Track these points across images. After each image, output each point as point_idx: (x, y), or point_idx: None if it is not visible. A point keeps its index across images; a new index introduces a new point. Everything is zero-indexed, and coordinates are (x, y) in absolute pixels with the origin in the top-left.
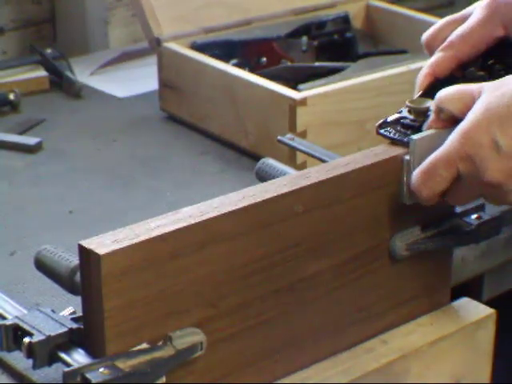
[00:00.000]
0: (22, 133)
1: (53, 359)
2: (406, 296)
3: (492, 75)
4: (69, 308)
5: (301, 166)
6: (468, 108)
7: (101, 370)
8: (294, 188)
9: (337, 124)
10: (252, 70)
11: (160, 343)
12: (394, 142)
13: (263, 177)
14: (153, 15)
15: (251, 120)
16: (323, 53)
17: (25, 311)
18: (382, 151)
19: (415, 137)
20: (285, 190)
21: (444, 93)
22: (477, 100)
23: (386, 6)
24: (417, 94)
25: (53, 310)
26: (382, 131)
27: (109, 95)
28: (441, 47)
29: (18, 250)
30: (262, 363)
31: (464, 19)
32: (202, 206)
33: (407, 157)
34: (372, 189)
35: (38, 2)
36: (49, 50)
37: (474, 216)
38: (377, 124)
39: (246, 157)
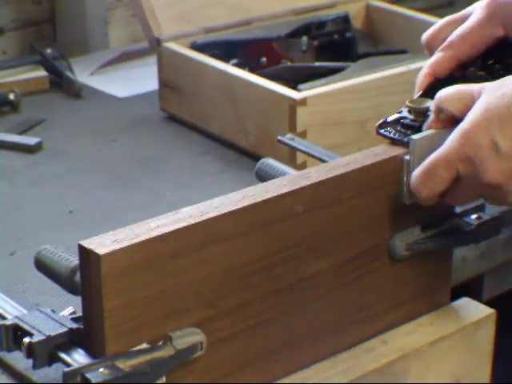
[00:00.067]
0: (21, 133)
1: (53, 359)
2: (406, 296)
3: (492, 75)
4: (69, 308)
5: (301, 166)
6: (468, 108)
7: (101, 369)
8: (293, 188)
9: (337, 124)
10: (252, 70)
11: (160, 343)
12: (393, 141)
13: (263, 177)
14: (153, 15)
15: (251, 120)
16: (323, 53)
17: (25, 311)
18: (381, 151)
19: (415, 137)
20: (285, 190)
21: (444, 93)
22: (477, 100)
23: (386, 6)
24: (417, 94)
25: (53, 310)
26: (381, 131)
27: (109, 95)
28: (441, 47)
29: (18, 250)
30: (262, 363)
31: (464, 19)
32: (201, 206)
33: (407, 157)
34: (372, 189)
35: (38, 2)
36: (49, 50)
37: (473, 216)
38: (377, 124)
39: (246, 157)
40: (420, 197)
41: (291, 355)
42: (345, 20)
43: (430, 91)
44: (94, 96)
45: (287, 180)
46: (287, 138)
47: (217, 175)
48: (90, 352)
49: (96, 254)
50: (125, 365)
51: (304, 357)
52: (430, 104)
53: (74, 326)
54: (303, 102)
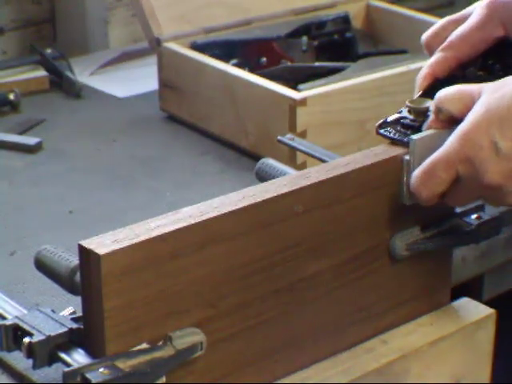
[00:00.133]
0: (21, 133)
1: (53, 359)
2: (406, 296)
3: (492, 75)
4: (69, 308)
5: (301, 166)
6: (467, 108)
7: (101, 370)
8: (293, 188)
9: (337, 124)
10: (252, 70)
11: (160, 343)
12: (393, 142)
13: (263, 177)
14: (153, 15)
15: (251, 120)
16: (323, 53)
17: (25, 311)
18: (382, 151)
19: (415, 137)
20: (285, 190)
21: (444, 93)
22: (476, 101)
23: (386, 6)
24: (417, 94)
25: (53, 310)
26: (381, 131)
27: (109, 95)
28: (440, 47)
29: (18, 249)
30: (262, 363)
31: (464, 19)
32: (201, 206)
33: (407, 157)
34: (372, 189)
35: (38, 2)
36: (49, 50)
37: (473, 216)
38: (377, 124)
39: (246, 157)
40: (420, 197)
41: (291, 355)
42: (345, 20)
43: (429, 91)
44: (94, 96)
45: (287, 180)
46: (287, 138)
47: (217, 175)
48: (90, 352)
49: (96, 254)
50: (125, 365)
51: (304, 357)
52: (430, 104)
53: (74, 326)
54: (303, 102)
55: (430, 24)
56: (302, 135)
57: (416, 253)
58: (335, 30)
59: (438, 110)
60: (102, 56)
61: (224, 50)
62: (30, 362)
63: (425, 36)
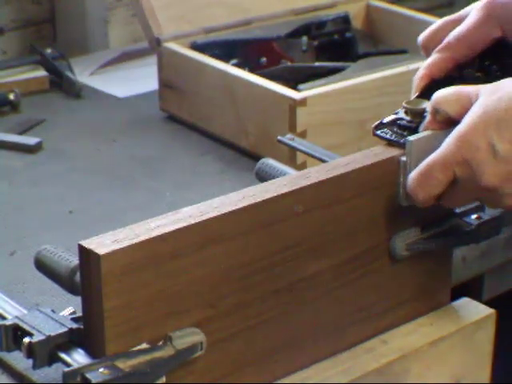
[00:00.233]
0: (21, 133)
1: (53, 359)
2: (406, 296)
3: (489, 76)
4: (69, 308)
5: (301, 166)
6: (464, 110)
7: (101, 370)
8: (293, 188)
9: (337, 124)
10: (252, 70)
11: (160, 343)
12: (390, 143)
13: (263, 177)
14: (153, 15)
15: (251, 120)
16: (323, 53)
17: (25, 311)
18: (381, 151)
19: (412, 138)
20: (285, 190)
21: (441, 94)
22: (474, 103)
23: (386, 6)
24: (413, 95)
25: (53, 310)
26: (378, 132)
27: (109, 95)
28: (437, 48)
29: (18, 249)
30: (262, 363)
31: (461, 20)
32: (201, 206)
33: (404, 158)
34: (372, 189)
35: (38, 2)
36: (49, 50)
37: (473, 216)
38: (373, 125)
39: (246, 157)
40: (416, 199)
41: (291, 355)
42: (345, 20)
43: (426, 92)
44: (94, 96)
45: (287, 180)
46: (287, 138)
47: (217, 175)
48: (90, 352)
49: (96, 253)
50: (125, 365)
51: (304, 357)
52: (427, 105)
53: (74, 326)
54: (303, 102)
55: (430, 24)
56: (302, 135)
57: (416, 253)
58: (335, 30)
59: (435, 111)
60: (101, 56)
61: (224, 50)
62: (30, 362)
63: (422, 37)
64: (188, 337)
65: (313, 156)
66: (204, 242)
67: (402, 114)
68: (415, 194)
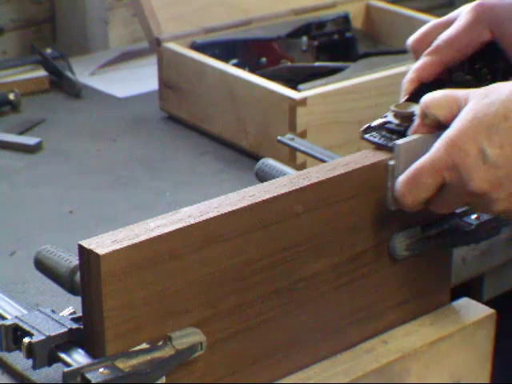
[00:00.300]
0: (22, 133)
1: (53, 359)
2: (406, 296)
3: (479, 79)
4: (69, 308)
5: (301, 166)
6: (453, 114)
7: (101, 370)
8: (293, 188)
9: (337, 124)
10: (252, 70)
11: (160, 343)
12: (378, 146)
13: (263, 177)
14: (153, 15)
15: (251, 120)
16: (323, 53)
17: (25, 311)
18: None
19: (400, 142)
20: (285, 190)
21: (430, 97)
22: (463, 107)
23: (386, 6)
24: (402, 99)
25: (53, 310)
26: (366, 136)
27: (109, 95)
28: (426, 51)
29: (18, 250)
30: (262, 363)
31: (450, 23)
32: (201, 206)
33: (392, 162)
34: (372, 189)
35: (38, 1)
36: (49, 50)
37: (473, 216)
38: (361, 129)
39: (246, 157)
40: (404, 203)
41: (291, 355)
42: (345, 20)
43: (415, 95)
44: (94, 96)
45: (287, 180)
46: (287, 138)
47: (217, 175)
48: (90, 352)
49: (96, 254)
50: (125, 365)
51: (304, 357)
52: (415, 109)
53: (74, 326)
54: (303, 102)
55: None
56: (302, 135)
57: (416, 253)
58: (335, 30)
59: (424, 115)
60: (102, 56)
61: (224, 50)
62: (30, 362)
63: (411, 40)
64: (188, 337)
65: (313, 156)
66: (204, 242)
67: (390, 118)
68: (403, 198)
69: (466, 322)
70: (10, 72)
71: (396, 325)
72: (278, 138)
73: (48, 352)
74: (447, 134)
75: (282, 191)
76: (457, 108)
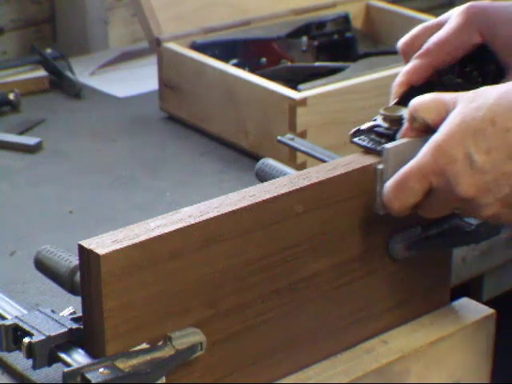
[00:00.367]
0: (22, 133)
1: (53, 359)
2: (406, 296)
3: (470, 82)
4: (69, 308)
5: (301, 166)
6: (442, 117)
7: (101, 370)
8: (293, 188)
9: (337, 124)
10: (252, 70)
11: (160, 343)
12: (367, 150)
13: (263, 177)
14: (153, 15)
15: (251, 120)
16: (323, 53)
17: (25, 311)
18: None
19: (388, 146)
20: (285, 190)
21: (418, 101)
22: (451, 111)
23: (386, 6)
24: (392, 102)
25: (53, 310)
26: (355, 140)
27: (109, 95)
28: (417, 54)
29: (18, 250)
30: (262, 363)
31: (440, 26)
32: (201, 206)
33: (380, 166)
34: (372, 189)
35: (38, 1)
36: (49, 50)
37: None
38: (350, 132)
39: (246, 157)
40: (392, 208)
41: (291, 355)
42: (345, 20)
43: (405, 99)
44: (94, 96)
45: (287, 180)
46: (287, 138)
47: (217, 175)
48: (90, 352)
49: (96, 254)
50: (125, 365)
51: (304, 357)
52: (405, 112)
53: (74, 326)
54: (303, 102)
55: None
56: (302, 135)
57: (416, 253)
58: (335, 30)
59: (413, 119)
60: (102, 56)
61: (224, 50)
62: (30, 362)
63: (401, 42)
64: (188, 337)
65: (313, 156)
66: (204, 242)
67: (379, 121)
68: (390, 203)
69: (466, 322)
70: (9, 72)
71: (396, 325)
72: (278, 138)
73: (48, 352)
74: (434, 139)
75: (282, 191)
76: (445, 112)
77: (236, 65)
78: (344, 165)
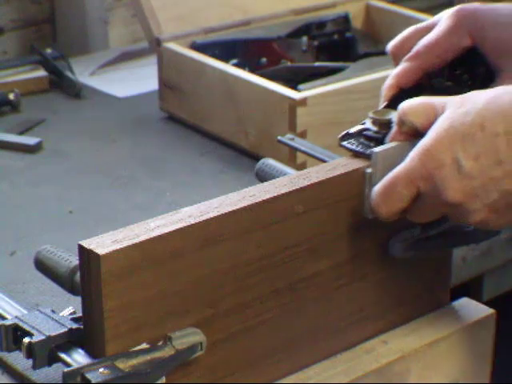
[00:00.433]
0: (22, 133)
1: (53, 359)
2: (406, 296)
3: (460, 85)
4: (69, 308)
5: (301, 166)
6: (430, 122)
7: (101, 370)
8: (293, 188)
9: (337, 124)
10: (252, 70)
11: (160, 343)
12: (356, 154)
13: (263, 177)
14: (153, 15)
15: (251, 120)
16: (323, 53)
17: (25, 311)
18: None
19: (377, 149)
20: (285, 190)
21: (407, 105)
22: (440, 115)
23: (386, 6)
24: (381, 105)
25: (53, 310)
26: (344, 143)
27: (109, 95)
28: (406, 57)
29: (18, 250)
30: (262, 363)
31: (430, 28)
32: (201, 206)
33: (369, 170)
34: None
35: (38, 1)
36: (49, 50)
37: None
38: (339, 136)
39: (246, 157)
40: (380, 213)
41: (291, 355)
42: (345, 20)
43: (395, 102)
44: (94, 96)
45: (287, 180)
46: (287, 138)
47: (217, 175)
48: (90, 352)
49: (96, 254)
50: (125, 365)
51: (304, 357)
52: (394, 115)
53: (74, 326)
54: (303, 102)
55: None
56: (302, 135)
57: (416, 253)
58: (335, 30)
59: (401, 122)
60: (102, 56)
61: (224, 50)
62: (30, 362)
63: (390, 45)
64: (188, 337)
65: (313, 156)
66: (204, 242)
67: (368, 125)
68: (378, 208)
69: (466, 322)
70: (9, 72)
71: (396, 325)
72: (278, 138)
73: (48, 352)
74: (422, 143)
75: (282, 191)
76: (434, 116)
77: (236, 65)
78: (344, 165)
